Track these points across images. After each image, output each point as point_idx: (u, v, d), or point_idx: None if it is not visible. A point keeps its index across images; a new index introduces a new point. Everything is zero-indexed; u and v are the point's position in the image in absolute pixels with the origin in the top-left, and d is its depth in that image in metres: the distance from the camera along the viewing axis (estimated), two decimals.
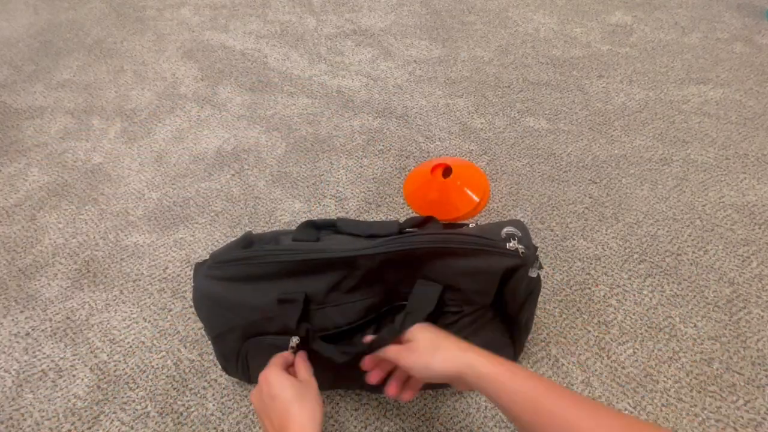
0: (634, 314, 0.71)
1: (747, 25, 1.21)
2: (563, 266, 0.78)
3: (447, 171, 0.88)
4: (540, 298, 0.60)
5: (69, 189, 0.97)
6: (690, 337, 0.69)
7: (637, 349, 0.68)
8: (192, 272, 0.72)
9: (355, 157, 0.98)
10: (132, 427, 0.65)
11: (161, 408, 0.67)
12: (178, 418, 0.66)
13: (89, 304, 0.78)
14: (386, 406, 0.65)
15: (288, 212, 0.89)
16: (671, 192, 0.87)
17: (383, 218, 0.87)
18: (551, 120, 1.01)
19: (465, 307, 0.55)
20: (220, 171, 0.98)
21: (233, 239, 0.61)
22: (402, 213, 0.88)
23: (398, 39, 1.26)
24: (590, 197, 0.87)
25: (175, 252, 0.85)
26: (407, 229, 0.59)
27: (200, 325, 0.74)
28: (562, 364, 0.67)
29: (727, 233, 0.80)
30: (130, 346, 0.73)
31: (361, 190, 0.92)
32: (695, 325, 0.70)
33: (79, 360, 0.72)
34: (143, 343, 0.73)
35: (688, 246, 0.79)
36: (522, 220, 0.81)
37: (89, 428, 0.66)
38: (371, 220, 0.87)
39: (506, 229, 0.54)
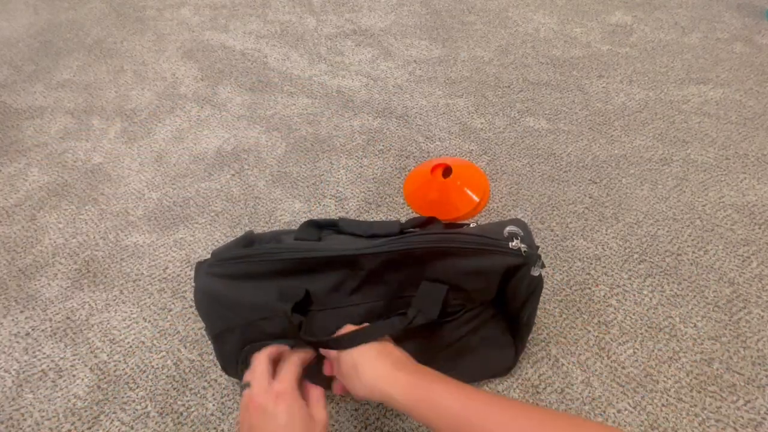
0: (634, 314, 0.71)
1: (747, 25, 1.21)
2: (563, 266, 0.78)
3: (447, 171, 0.88)
4: (540, 298, 0.61)
5: (69, 189, 0.97)
6: (690, 337, 0.69)
7: (637, 349, 0.68)
8: (193, 271, 0.72)
9: (355, 157, 0.98)
10: (132, 427, 0.65)
11: (161, 408, 0.67)
12: (178, 418, 0.66)
13: (89, 304, 0.78)
14: (386, 406, 0.65)
15: (288, 212, 0.89)
16: (671, 192, 0.87)
17: (383, 218, 0.87)
18: (551, 120, 1.01)
19: (466, 304, 0.56)
20: (220, 171, 0.98)
21: (233, 239, 0.61)
22: (402, 213, 0.88)
23: (398, 39, 1.26)
24: (590, 197, 0.87)
25: (175, 252, 0.85)
26: (408, 230, 0.59)
27: (200, 325, 0.74)
28: (562, 364, 0.67)
29: (727, 233, 0.80)
30: (130, 346, 0.73)
31: (361, 190, 0.92)
32: (695, 325, 0.70)
33: (79, 360, 0.72)
34: (143, 343, 0.73)
35: (688, 246, 0.79)
36: (522, 219, 0.81)
37: (89, 428, 0.66)
38: (372, 220, 0.87)
39: (509, 228, 0.54)
